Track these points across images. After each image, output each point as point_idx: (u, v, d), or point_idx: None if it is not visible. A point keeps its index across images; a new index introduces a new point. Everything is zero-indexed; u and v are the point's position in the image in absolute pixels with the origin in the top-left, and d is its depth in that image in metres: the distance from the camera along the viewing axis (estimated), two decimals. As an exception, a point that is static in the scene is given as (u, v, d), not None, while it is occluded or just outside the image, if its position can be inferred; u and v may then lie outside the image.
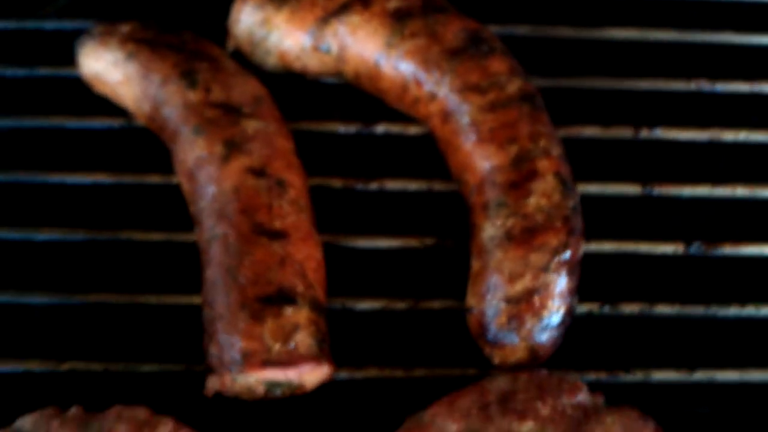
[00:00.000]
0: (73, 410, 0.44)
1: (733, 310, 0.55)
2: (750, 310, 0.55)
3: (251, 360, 0.44)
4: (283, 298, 0.46)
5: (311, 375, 0.47)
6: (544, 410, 0.44)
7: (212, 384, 0.47)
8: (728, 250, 0.57)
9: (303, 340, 0.46)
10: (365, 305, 0.54)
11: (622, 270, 0.58)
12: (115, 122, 0.61)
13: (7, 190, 0.59)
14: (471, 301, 0.52)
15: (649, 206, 0.60)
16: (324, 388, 0.50)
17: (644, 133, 0.62)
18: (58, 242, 0.57)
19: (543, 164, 0.53)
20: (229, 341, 0.46)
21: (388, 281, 0.56)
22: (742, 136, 0.62)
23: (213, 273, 0.48)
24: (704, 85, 0.64)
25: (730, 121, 0.63)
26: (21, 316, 0.55)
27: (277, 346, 0.45)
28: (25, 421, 0.44)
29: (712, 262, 0.58)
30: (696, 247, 0.57)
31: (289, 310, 0.46)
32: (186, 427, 0.44)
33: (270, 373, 0.45)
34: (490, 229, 0.52)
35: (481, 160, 0.54)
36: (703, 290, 0.56)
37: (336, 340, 0.51)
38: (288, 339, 0.45)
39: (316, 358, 0.47)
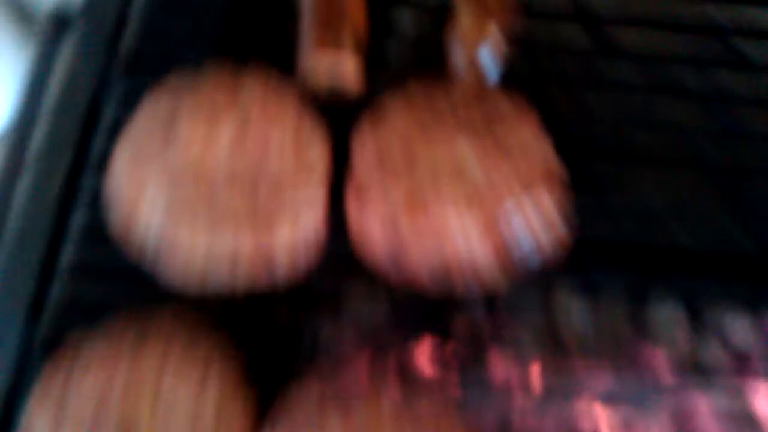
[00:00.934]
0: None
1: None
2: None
3: (320, 46, 0.81)
4: (340, 25, 0.83)
5: (353, 66, 0.81)
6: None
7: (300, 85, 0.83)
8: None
9: (350, 42, 0.82)
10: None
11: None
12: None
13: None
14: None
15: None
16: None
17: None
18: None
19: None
20: (308, 46, 0.82)
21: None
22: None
23: (303, 22, 0.86)
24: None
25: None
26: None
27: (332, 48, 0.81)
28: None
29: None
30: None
31: (343, 31, 0.82)
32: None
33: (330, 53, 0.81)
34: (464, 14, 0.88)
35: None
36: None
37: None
38: (342, 40, 0.82)
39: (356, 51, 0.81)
